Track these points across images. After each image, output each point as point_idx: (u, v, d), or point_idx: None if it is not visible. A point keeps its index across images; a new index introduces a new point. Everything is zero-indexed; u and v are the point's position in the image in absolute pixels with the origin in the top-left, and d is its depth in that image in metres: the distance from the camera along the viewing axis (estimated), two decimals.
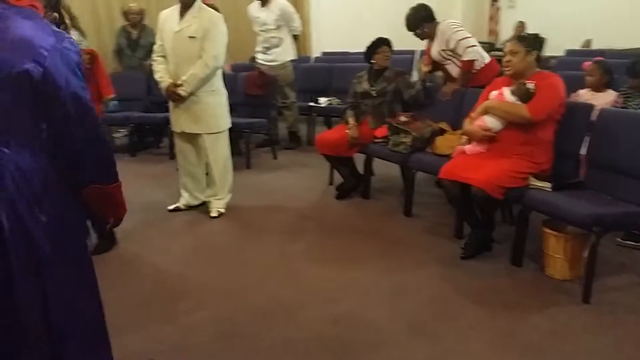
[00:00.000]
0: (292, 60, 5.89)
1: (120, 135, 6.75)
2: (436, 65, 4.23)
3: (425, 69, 4.14)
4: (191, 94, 3.66)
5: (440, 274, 2.96)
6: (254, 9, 5.74)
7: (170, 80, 3.67)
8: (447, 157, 3.42)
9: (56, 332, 1.52)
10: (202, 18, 3.61)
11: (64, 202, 1.54)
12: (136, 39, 6.18)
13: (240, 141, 5.89)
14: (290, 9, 5.76)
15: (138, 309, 2.70)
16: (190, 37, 3.59)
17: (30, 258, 1.44)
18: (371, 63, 4.19)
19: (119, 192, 1.69)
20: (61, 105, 1.47)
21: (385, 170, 4.63)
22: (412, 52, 7.32)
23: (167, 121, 5.54)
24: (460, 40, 3.94)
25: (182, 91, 3.63)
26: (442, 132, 3.75)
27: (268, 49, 5.76)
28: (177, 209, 4.04)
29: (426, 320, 2.51)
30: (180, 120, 3.79)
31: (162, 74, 3.73)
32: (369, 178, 4.30)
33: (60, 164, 1.51)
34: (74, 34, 3.06)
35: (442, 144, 3.63)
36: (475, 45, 3.97)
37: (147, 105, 5.91)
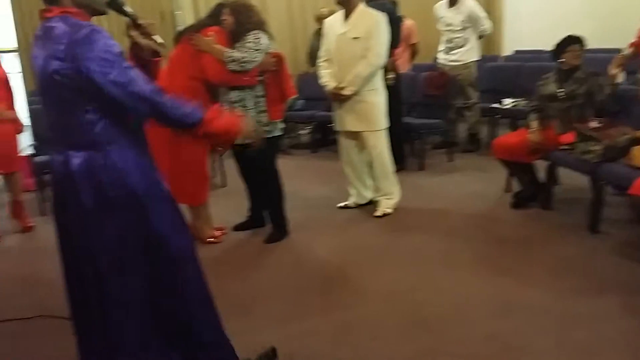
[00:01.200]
0: (476, 60, 5.65)
1: (304, 132, 7.15)
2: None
3: (614, 71, 3.64)
4: (355, 93, 3.75)
5: (625, 304, 2.58)
6: (441, 8, 5.64)
7: (335, 84, 3.81)
8: None
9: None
10: (365, 19, 3.72)
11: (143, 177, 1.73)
12: None
13: (416, 142, 5.85)
14: (479, 11, 5.52)
15: (298, 299, 2.85)
16: (354, 38, 3.70)
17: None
18: (560, 62, 3.81)
19: (212, 126, 1.72)
20: (104, 92, 1.58)
21: (573, 179, 4.19)
22: (618, 51, 6.50)
23: None
24: None
25: (347, 91, 3.74)
26: None
27: (451, 49, 5.61)
28: (346, 207, 4.16)
29: (600, 358, 2.21)
30: (343, 119, 3.92)
31: (326, 78, 3.91)
32: (552, 187, 3.92)
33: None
34: (262, 37, 3.30)
35: None
36: None
37: (330, 104, 6.14)
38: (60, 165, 1.68)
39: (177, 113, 1.68)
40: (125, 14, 1.79)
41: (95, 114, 1.64)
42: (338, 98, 3.84)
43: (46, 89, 1.66)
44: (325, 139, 6.60)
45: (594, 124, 3.44)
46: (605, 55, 6.01)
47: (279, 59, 3.42)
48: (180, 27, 5.37)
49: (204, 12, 7.09)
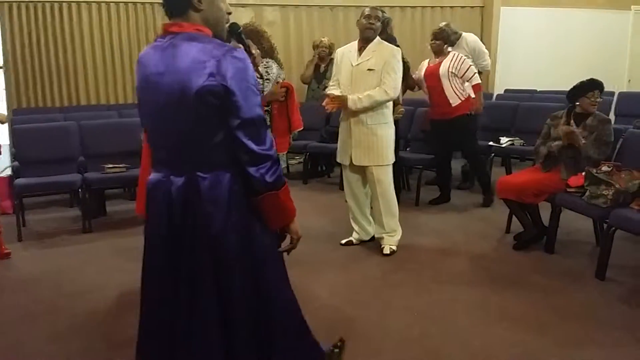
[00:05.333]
0: None
1: (294, 162, 7.02)
2: None
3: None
4: (359, 111, 3.62)
5: None
6: None
7: (338, 92, 3.69)
8: None
9: (264, 325, 1.73)
10: (381, 51, 3.66)
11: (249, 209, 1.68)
12: (323, 72, 6.40)
13: (410, 177, 5.77)
14: (481, 45, 5.51)
15: None
16: (369, 69, 3.63)
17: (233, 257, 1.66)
18: (574, 105, 3.74)
19: (288, 196, 1.70)
20: (235, 114, 1.54)
21: (572, 221, 4.11)
22: (611, 94, 6.59)
23: None
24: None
25: (351, 101, 3.58)
26: None
27: None
28: (349, 243, 4.01)
29: None
30: (350, 152, 3.78)
31: (333, 89, 3.79)
32: (555, 230, 3.83)
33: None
34: (273, 66, 3.18)
35: None
36: None
37: (323, 135, 6.06)
38: (182, 186, 1.64)
39: (276, 175, 1.64)
40: (242, 40, 1.79)
41: (228, 133, 1.59)
42: (339, 104, 3.66)
43: (175, 106, 1.57)
44: (316, 170, 6.49)
45: (605, 167, 3.38)
46: (604, 98, 6.11)
47: (288, 89, 3.29)
48: None
49: None
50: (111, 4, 6.89)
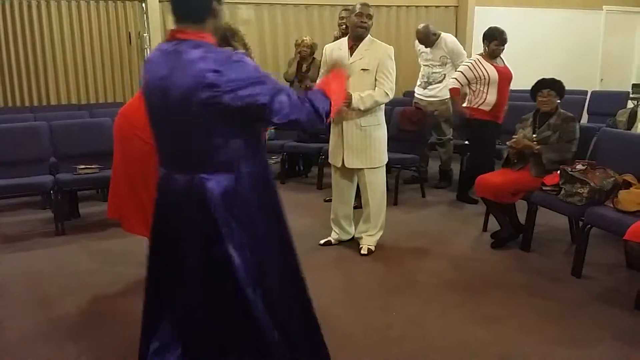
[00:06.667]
0: None
1: (272, 162, 6.95)
2: None
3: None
4: (360, 110, 3.51)
5: (622, 355, 2.50)
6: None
7: None
8: (633, 214, 2.99)
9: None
10: (375, 50, 3.56)
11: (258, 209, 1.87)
12: (305, 71, 6.33)
13: (388, 176, 5.75)
14: (459, 47, 5.51)
15: None
16: (363, 69, 3.52)
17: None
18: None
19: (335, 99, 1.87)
20: (253, 113, 1.66)
21: (548, 219, 4.16)
22: (584, 93, 6.69)
23: (319, 152, 5.68)
24: None
25: (356, 100, 3.44)
26: (627, 185, 3.26)
27: (429, 84, 5.58)
28: (327, 243, 3.97)
29: None
30: (342, 155, 3.67)
31: None
32: (532, 229, 3.86)
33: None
34: None
35: (627, 198, 3.15)
36: None
37: (301, 135, 6.02)
38: (184, 187, 1.75)
39: (324, 106, 1.79)
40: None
41: (233, 137, 1.71)
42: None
43: (177, 109, 1.66)
44: (294, 170, 6.45)
45: (579, 166, 3.41)
46: (577, 97, 6.26)
47: None
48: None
49: None
50: (81, 2, 6.73)
